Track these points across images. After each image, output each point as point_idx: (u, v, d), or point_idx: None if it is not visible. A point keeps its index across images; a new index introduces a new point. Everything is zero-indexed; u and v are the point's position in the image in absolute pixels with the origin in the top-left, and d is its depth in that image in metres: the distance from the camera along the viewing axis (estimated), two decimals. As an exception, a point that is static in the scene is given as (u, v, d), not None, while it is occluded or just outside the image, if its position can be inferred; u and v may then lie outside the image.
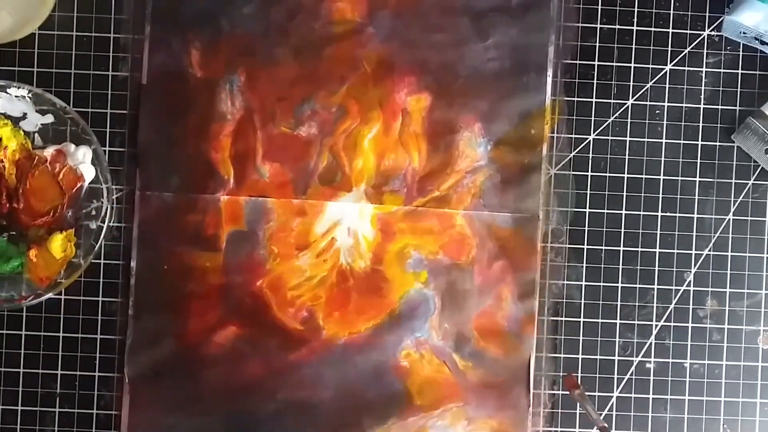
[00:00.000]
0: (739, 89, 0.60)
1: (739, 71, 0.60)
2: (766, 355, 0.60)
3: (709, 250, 0.60)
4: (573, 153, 0.60)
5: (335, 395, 0.59)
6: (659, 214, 0.60)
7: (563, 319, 0.59)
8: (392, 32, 0.59)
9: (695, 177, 0.60)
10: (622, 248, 0.60)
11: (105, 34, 0.59)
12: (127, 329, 0.58)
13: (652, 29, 0.60)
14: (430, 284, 0.59)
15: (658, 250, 0.60)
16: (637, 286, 0.60)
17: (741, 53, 0.60)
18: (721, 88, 0.60)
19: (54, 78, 0.58)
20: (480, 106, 0.59)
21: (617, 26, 0.60)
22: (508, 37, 0.59)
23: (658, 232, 0.60)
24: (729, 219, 0.60)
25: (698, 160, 0.60)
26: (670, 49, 0.60)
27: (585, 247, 0.60)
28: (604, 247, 0.60)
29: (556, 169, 0.60)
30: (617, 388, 0.59)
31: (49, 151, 0.57)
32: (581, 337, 0.59)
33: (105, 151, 0.58)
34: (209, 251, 0.58)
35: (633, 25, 0.60)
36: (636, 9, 0.60)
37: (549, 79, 0.59)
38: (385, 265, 0.59)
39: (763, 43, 0.58)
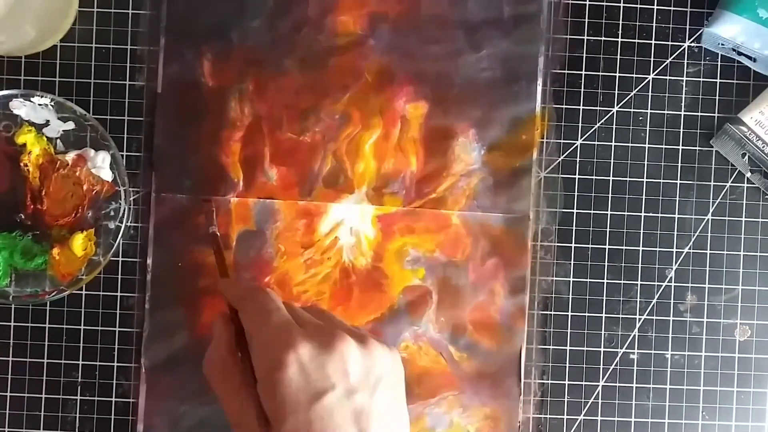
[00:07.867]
0: (717, 97, 0.61)
1: (718, 80, 0.61)
2: (743, 346, 0.61)
3: (689, 248, 0.61)
4: (561, 157, 0.61)
5: (338, 384, 0.60)
6: (642, 214, 0.61)
7: (552, 313, 0.60)
8: (392, 44, 0.59)
9: (676, 180, 0.61)
10: (607, 246, 0.61)
11: (123, 46, 0.59)
12: (144, 322, 0.59)
13: (636, 41, 0.61)
14: (427, 280, 0.60)
15: (641, 248, 0.61)
16: (622, 282, 0.60)
17: (719, 63, 0.61)
18: (700, 96, 0.61)
19: (75, 87, 0.59)
20: (474, 114, 0.60)
21: (603, 38, 0.60)
22: (500, 48, 0.60)
23: (642, 231, 0.61)
24: (708, 219, 0.61)
25: (679, 164, 0.61)
26: (652, 59, 0.60)
27: (573, 245, 0.61)
28: (590, 246, 0.61)
29: (545, 172, 0.61)
30: (603, 377, 0.60)
31: (70, 156, 0.57)
32: (569, 330, 0.60)
33: (122, 155, 0.59)
34: (220, 249, 0.59)
35: (618, 37, 0.61)
36: (621, 22, 0.60)
37: (539, 88, 0.60)
38: (385, 262, 0.60)
39: (740, 54, 0.59)
